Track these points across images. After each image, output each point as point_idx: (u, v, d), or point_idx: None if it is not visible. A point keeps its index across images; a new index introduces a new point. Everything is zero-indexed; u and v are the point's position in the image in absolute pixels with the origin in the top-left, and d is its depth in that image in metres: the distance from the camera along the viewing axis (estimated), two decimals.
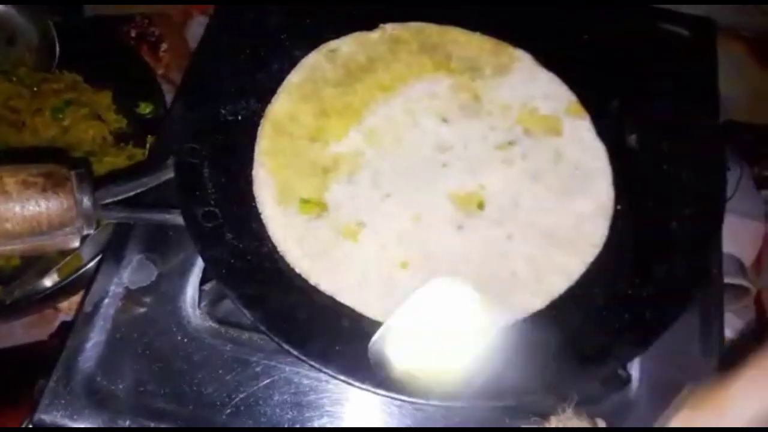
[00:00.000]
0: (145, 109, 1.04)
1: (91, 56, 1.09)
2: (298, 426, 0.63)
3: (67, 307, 0.96)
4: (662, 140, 0.71)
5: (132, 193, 0.63)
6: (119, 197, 0.62)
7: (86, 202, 0.58)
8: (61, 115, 0.99)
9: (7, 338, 0.94)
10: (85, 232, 0.60)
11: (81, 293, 0.94)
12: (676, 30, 0.82)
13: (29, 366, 0.92)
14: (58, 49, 1.06)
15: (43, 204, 0.56)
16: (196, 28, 1.16)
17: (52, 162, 0.60)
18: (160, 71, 1.10)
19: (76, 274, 0.88)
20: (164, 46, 1.14)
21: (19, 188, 0.56)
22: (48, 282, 0.94)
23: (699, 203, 0.67)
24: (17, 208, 0.55)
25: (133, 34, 1.14)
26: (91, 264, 0.88)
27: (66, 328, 0.94)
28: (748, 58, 1.13)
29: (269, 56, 0.73)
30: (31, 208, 0.56)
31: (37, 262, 0.94)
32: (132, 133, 1.03)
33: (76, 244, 0.60)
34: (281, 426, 0.63)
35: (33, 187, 0.56)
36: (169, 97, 1.04)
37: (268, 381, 0.66)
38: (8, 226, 0.55)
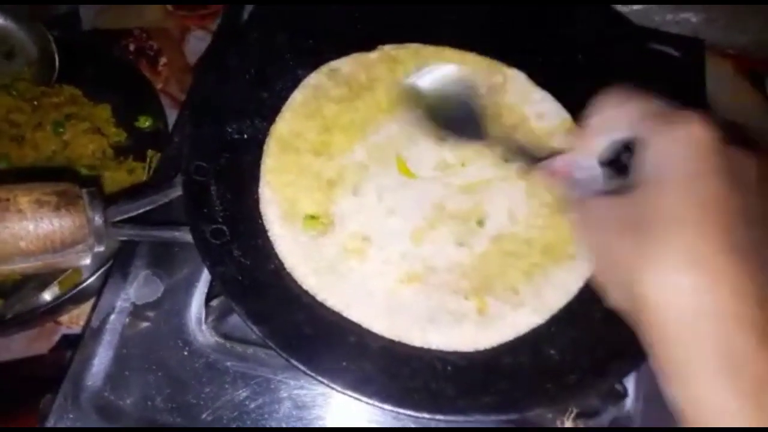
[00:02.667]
0: (144, 122, 1.05)
1: (89, 70, 1.10)
2: None
3: (68, 320, 0.96)
4: None
5: (141, 211, 0.64)
6: (128, 215, 0.63)
7: (98, 220, 0.59)
8: (61, 129, 0.99)
9: (7, 352, 0.94)
10: (96, 250, 0.61)
11: (81, 307, 0.96)
12: (666, 50, 0.85)
13: (30, 380, 0.93)
14: (57, 62, 1.07)
15: (56, 222, 0.57)
16: (194, 42, 1.17)
17: (60, 180, 0.62)
18: (158, 85, 1.11)
19: (76, 289, 0.89)
20: (163, 60, 1.15)
21: (33, 207, 0.57)
22: (48, 296, 0.94)
23: None
24: (31, 227, 0.56)
25: (131, 48, 1.15)
26: (92, 278, 0.89)
27: (67, 341, 0.95)
28: (736, 76, 1.16)
29: (273, 76, 0.74)
30: (44, 226, 0.57)
31: (37, 276, 0.94)
32: (132, 146, 1.04)
33: (87, 261, 0.61)
34: None
35: (46, 206, 0.57)
36: (168, 111, 1.05)
37: (273, 396, 0.67)
38: (22, 244, 0.56)
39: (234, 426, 0.65)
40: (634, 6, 1.12)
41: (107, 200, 0.62)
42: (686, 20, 1.13)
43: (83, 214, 0.59)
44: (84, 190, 0.60)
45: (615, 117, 0.53)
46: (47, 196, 0.58)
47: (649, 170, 0.46)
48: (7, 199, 0.56)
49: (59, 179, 0.61)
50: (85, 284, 0.89)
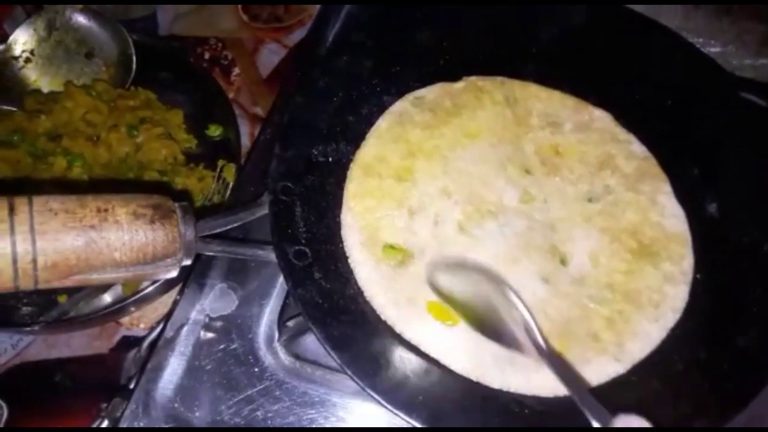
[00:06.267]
0: (215, 131, 1.06)
1: (164, 75, 1.12)
2: None
3: (128, 322, 0.98)
4: (742, 211, 0.71)
5: (227, 228, 0.64)
6: (215, 231, 0.64)
7: (189, 234, 0.60)
8: (135, 132, 1.01)
9: (68, 348, 0.96)
10: (184, 263, 0.61)
11: (142, 309, 0.97)
12: (755, 100, 0.83)
13: (89, 378, 0.94)
14: (135, 66, 1.09)
15: (150, 235, 0.58)
16: (267, 55, 1.18)
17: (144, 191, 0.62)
18: (230, 95, 1.13)
19: (140, 293, 0.90)
20: (236, 70, 1.16)
21: (129, 219, 0.57)
22: (110, 297, 0.96)
23: None
24: (126, 238, 0.57)
25: (206, 56, 1.17)
26: (156, 283, 0.90)
27: (126, 342, 0.97)
28: None
29: (360, 100, 0.75)
30: (139, 238, 0.57)
31: None
32: (202, 154, 1.05)
33: (175, 273, 0.62)
34: None
35: (142, 218, 0.58)
36: (239, 122, 1.07)
37: (341, 419, 0.67)
38: (117, 255, 0.57)
39: None
40: (712, 49, 1.11)
41: (196, 215, 0.63)
42: (765, 65, 1.11)
43: (176, 228, 0.59)
44: (177, 205, 0.61)
45: None
46: (143, 208, 0.58)
47: None
48: (106, 210, 0.57)
49: (146, 190, 0.62)
50: (148, 289, 0.90)
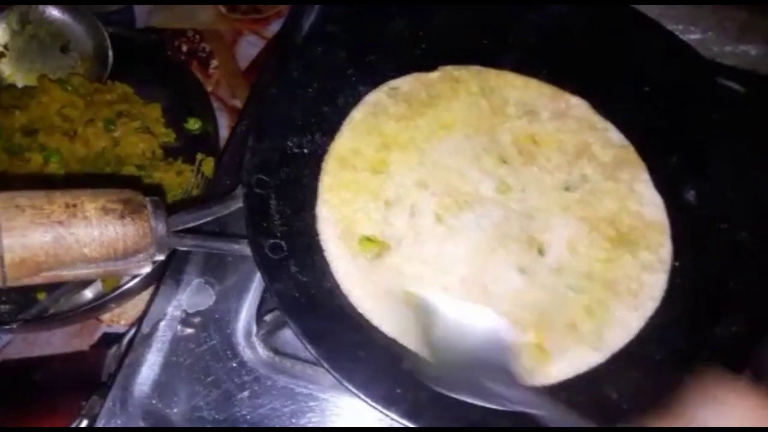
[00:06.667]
0: (193, 124, 1.05)
1: (141, 68, 1.10)
2: None
3: (109, 318, 0.97)
4: (720, 199, 0.71)
5: (201, 222, 0.63)
6: (188, 225, 0.63)
7: (161, 229, 0.59)
8: (112, 127, 1.00)
9: (48, 346, 0.95)
10: (157, 258, 0.61)
11: (123, 306, 0.96)
12: (733, 86, 0.83)
13: (69, 375, 0.93)
14: (111, 59, 1.08)
15: (120, 230, 0.57)
16: (246, 47, 1.17)
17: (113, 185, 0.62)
18: (209, 88, 1.11)
19: (120, 288, 0.89)
20: (214, 63, 1.15)
21: (98, 214, 0.56)
22: (91, 293, 0.95)
23: (757, 263, 0.67)
24: (96, 234, 0.56)
25: (184, 48, 1.16)
26: (136, 279, 0.89)
27: (107, 339, 0.96)
28: None
29: (335, 91, 0.74)
30: (109, 234, 0.57)
31: None
32: (180, 148, 1.04)
33: (147, 269, 0.61)
34: None
35: (111, 213, 0.57)
36: (217, 115, 1.05)
37: (319, 413, 0.67)
38: (86, 251, 0.56)
39: None
40: (692, 36, 1.10)
41: (168, 209, 0.62)
42: (746, 53, 1.11)
43: (147, 223, 0.58)
44: (148, 199, 0.60)
45: None
46: (113, 203, 0.57)
47: None
48: (74, 205, 0.56)
49: (117, 184, 0.61)
50: (128, 284, 0.89)
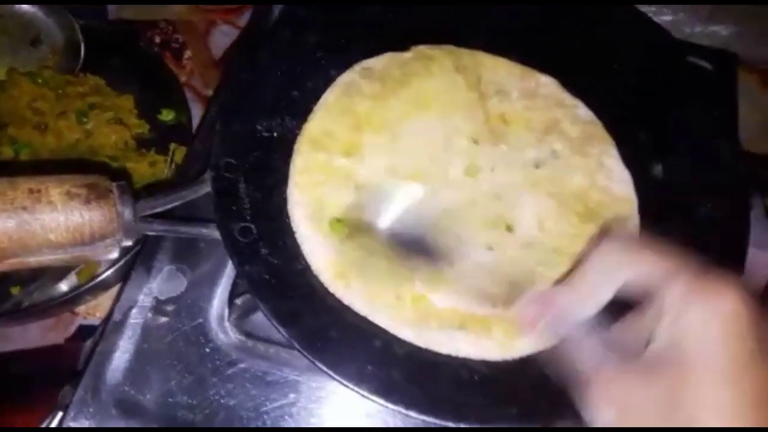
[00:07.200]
0: (167, 115, 1.05)
1: (114, 60, 1.10)
2: None
3: (85, 311, 0.96)
4: (685, 173, 0.72)
5: (169, 206, 0.63)
6: (157, 210, 0.63)
7: (127, 214, 0.59)
8: (85, 119, 0.99)
9: (23, 341, 0.94)
10: (124, 244, 0.60)
11: (99, 298, 0.96)
12: (700, 63, 0.84)
13: (45, 369, 0.93)
14: (83, 52, 1.07)
15: (86, 215, 0.57)
16: (219, 37, 1.16)
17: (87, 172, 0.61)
18: (182, 78, 1.11)
19: (95, 280, 0.89)
20: (187, 53, 1.14)
21: (63, 199, 0.56)
22: (66, 286, 0.94)
23: (723, 236, 0.68)
24: (61, 219, 0.56)
25: (157, 40, 1.15)
26: (111, 270, 0.89)
27: (83, 332, 0.95)
28: (761, 90, 1.15)
29: (305, 74, 0.74)
30: (74, 219, 0.56)
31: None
32: (154, 139, 1.03)
33: (115, 255, 0.61)
34: None
35: (77, 199, 0.57)
36: (191, 105, 1.05)
37: (294, 396, 0.67)
38: (52, 236, 0.56)
39: (255, 425, 0.65)
40: (664, 17, 1.11)
41: (136, 194, 0.61)
42: (716, 33, 1.12)
43: (113, 207, 0.58)
44: (114, 184, 0.60)
45: (629, 265, 0.46)
46: (78, 188, 0.57)
47: (683, 346, 0.41)
48: (39, 191, 0.56)
49: (86, 171, 0.61)
50: (103, 276, 0.89)
